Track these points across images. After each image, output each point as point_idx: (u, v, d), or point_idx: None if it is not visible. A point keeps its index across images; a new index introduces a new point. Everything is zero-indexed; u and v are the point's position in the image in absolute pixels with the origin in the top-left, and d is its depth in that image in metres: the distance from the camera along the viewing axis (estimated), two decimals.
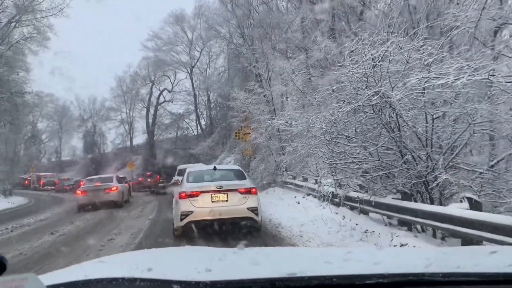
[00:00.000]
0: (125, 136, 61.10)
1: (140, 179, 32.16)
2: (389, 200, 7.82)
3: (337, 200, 10.45)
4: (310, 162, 13.74)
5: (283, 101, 20.30)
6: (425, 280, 1.25)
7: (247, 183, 8.38)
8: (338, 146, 8.94)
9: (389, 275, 1.25)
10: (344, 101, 8.63)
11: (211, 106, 45.78)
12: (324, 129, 8.91)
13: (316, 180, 13.22)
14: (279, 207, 12.27)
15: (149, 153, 48.26)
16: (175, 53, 45.59)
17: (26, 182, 47.56)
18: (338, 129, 8.71)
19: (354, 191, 9.67)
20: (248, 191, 8.11)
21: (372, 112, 8.07)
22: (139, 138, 56.97)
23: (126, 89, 57.12)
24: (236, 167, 11.31)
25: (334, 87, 9.25)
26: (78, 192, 16.93)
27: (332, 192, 10.74)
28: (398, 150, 7.91)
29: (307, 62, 17.13)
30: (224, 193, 7.86)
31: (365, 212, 9.14)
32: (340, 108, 8.63)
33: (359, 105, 7.90)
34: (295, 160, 14.32)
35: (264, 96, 20.80)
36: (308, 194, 13.12)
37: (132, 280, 1.22)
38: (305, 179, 15.01)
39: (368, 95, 7.57)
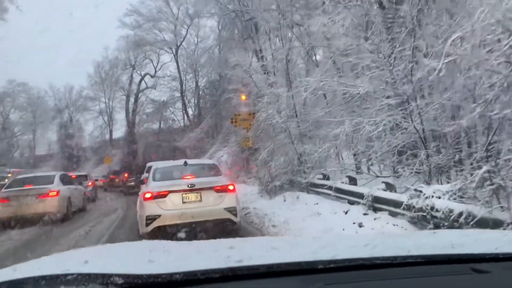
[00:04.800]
0: (104, 128, 57.05)
1: (112, 176, 26.79)
2: None
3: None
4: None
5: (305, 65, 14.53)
6: (374, 263, 1.26)
7: (223, 180, 7.78)
8: None
9: (339, 260, 1.26)
10: None
11: (200, 94, 40.62)
12: None
13: (386, 185, 7.59)
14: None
15: (129, 146, 43.41)
16: (158, 30, 39.64)
17: None
18: None
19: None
20: (225, 189, 7.39)
21: None
22: (120, 131, 52.67)
23: (105, 76, 52.45)
24: (210, 161, 10.72)
25: None
26: None
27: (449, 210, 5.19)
28: None
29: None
30: (196, 192, 7.22)
31: None
32: None
33: None
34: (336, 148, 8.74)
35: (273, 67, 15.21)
36: (374, 209, 7.53)
37: (63, 276, 1.12)
38: (352, 180, 9.45)
39: None
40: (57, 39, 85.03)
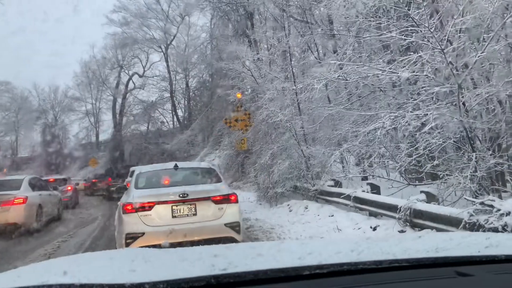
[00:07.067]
0: (90, 130, 55.27)
1: (94, 180, 25.08)
2: None
3: None
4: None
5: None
6: (359, 268, 1.24)
7: (223, 188, 6.25)
8: None
9: (326, 265, 1.24)
10: None
11: (190, 94, 39.11)
12: None
13: (427, 195, 6.09)
14: None
15: (115, 149, 41.71)
16: (147, 28, 38.00)
17: None
18: None
19: None
20: (226, 199, 6.00)
21: None
22: (106, 133, 50.94)
23: (92, 75, 50.70)
24: (207, 165, 9.12)
25: None
26: None
27: None
28: None
29: None
30: (190, 204, 5.82)
31: None
32: None
33: None
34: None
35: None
36: (412, 226, 6.02)
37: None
38: (374, 188, 7.96)
39: None
40: (42, 37, 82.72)
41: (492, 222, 4.37)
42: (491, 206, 4.52)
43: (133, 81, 43.47)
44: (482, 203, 4.71)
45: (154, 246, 5.44)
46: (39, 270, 1.53)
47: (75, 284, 1.11)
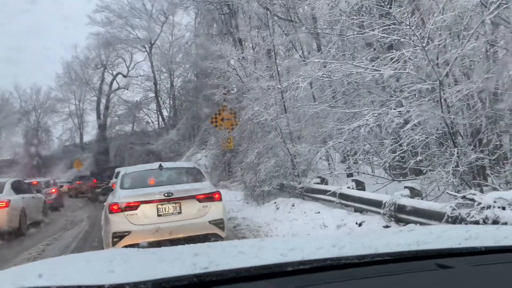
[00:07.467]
0: (74, 131, 54.34)
1: (78, 182, 24.76)
2: None
3: None
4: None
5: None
6: (342, 263, 1.26)
7: (207, 187, 6.52)
8: None
9: (308, 261, 1.24)
10: None
11: (175, 94, 38.88)
12: None
13: (410, 191, 6.19)
14: None
15: (100, 150, 41.30)
16: (131, 28, 37.62)
17: None
18: None
19: None
20: (210, 197, 6.23)
21: None
22: (91, 134, 50.40)
23: (75, 76, 49.89)
24: (191, 164, 9.61)
25: None
26: None
27: None
28: None
29: None
30: (175, 203, 6.02)
31: None
32: None
33: None
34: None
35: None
36: (397, 221, 6.11)
37: None
38: (359, 185, 8.04)
39: None
40: (23, 37, 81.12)
41: (473, 216, 4.46)
42: (473, 200, 4.62)
43: (117, 81, 43.21)
44: (464, 197, 4.80)
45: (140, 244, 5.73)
46: (15, 274, 1.51)
47: (51, 286, 1.09)
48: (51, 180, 18.79)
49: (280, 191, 11.58)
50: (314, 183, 9.91)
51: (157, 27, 37.38)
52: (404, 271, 1.25)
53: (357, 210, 7.80)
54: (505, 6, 5.37)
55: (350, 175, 9.99)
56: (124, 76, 42.39)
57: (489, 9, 5.54)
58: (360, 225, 6.75)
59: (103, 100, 44.22)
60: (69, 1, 69.10)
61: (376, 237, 1.82)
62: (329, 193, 8.46)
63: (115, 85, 43.35)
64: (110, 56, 42.49)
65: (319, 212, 8.23)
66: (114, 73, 43.24)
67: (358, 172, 9.12)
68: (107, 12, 37.62)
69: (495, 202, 4.34)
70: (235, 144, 15.83)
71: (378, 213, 6.63)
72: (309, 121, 10.25)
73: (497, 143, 6.23)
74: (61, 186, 22.70)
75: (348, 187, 8.16)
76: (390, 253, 1.35)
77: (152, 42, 37.53)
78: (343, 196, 8.13)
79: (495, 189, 5.47)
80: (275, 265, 1.23)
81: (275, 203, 10.44)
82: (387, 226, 6.21)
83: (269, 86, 11.19)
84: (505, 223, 4.11)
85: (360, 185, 8.18)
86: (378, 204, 6.66)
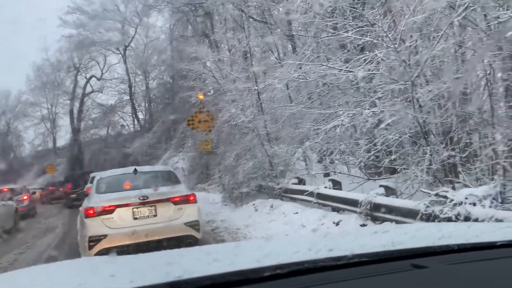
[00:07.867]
0: (46, 136, 52.68)
1: (51, 188, 24.15)
2: None
3: None
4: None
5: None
6: (319, 266, 1.25)
7: (182, 189, 6.68)
8: None
9: (285, 265, 1.23)
10: None
11: (150, 96, 38.41)
12: None
13: (386, 189, 6.31)
14: None
15: (75, 155, 40.36)
16: (104, 30, 36.94)
17: None
18: None
19: None
20: (185, 200, 6.38)
21: None
22: (64, 139, 48.95)
23: (47, 79, 48.56)
24: (166, 167, 9.76)
25: None
26: None
27: (496, 221, 3.98)
28: None
29: None
30: (150, 206, 6.13)
31: None
32: None
33: None
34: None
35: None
36: (373, 219, 6.22)
37: None
38: (336, 184, 8.14)
39: None
40: None
41: (446, 212, 4.59)
42: (445, 197, 4.75)
43: (90, 85, 42.21)
44: (437, 195, 4.94)
45: (117, 247, 5.89)
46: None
47: None
48: (23, 187, 18.24)
49: (259, 193, 11.61)
50: (292, 184, 9.99)
51: (131, 29, 36.90)
52: (380, 273, 1.25)
53: (334, 209, 7.89)
54: (472, 8, 5.55)
55: (327, 174, 10.10)
56: (98, 79, 41.57)
57: (457, 11, 5.70)
58: (337, 224, 6.84)
59: (77, 104, 43.25)
60: (39, 3, 67.30)
61: (351, 239, 1.84)
62: (306, 193, 8.53)
63: (88, 88, 42.42)
64: (83, 58, 41.53)
65: (297, 213, 8.30)
66: (88, 76, 42.37)
67: (334, 172, 9.23)
68: (79, 13, 36.89)
69: (466, 198, 4.47)
70: (213, 147, 15.77)
71: (355, 212, 6.73)
72: (286, 122, 10.31)
73: (467, 141, 6.41)
74: (34, 193, 22.06)
75: (325, 187, 8.26)
76: (366, 254, 1.36)
77: (126, 44, 37.00)
78: (320, 196, 8.21)
79: (466, 186, 5.62)
80: (251, 270, 1.21)
81: (253, 204, 10.46)
82: (364, 225, 6.31)
83: (245, 88, 11.20)
84: (476, 219, 4.24)
85: (337, 185, 8.29)
86: (354, 203, 6.77)
